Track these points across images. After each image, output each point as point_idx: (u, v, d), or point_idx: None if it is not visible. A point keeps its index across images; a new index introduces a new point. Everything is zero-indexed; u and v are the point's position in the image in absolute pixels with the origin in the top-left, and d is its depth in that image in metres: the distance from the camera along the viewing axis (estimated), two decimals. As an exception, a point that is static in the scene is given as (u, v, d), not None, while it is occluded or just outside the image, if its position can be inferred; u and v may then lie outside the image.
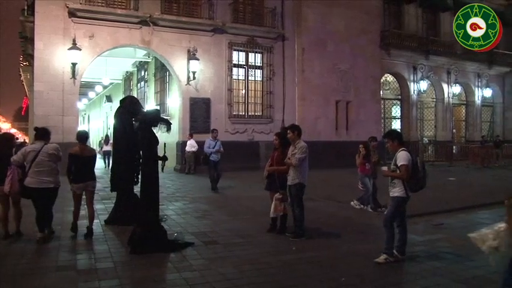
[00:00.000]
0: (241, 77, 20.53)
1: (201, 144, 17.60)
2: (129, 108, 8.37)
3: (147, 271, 5.63)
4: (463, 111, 30.74)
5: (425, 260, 6.26)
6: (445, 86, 28.21)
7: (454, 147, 27.14)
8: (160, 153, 7.15)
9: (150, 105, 23.50)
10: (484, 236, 3.57)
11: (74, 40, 16.53)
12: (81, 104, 39.84)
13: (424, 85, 26.58)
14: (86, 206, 7.55)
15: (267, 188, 8.06)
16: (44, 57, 16.39)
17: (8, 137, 7.95)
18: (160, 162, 7.09)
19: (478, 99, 30.38)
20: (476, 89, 30.18)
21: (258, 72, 20.90)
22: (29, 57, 22.44)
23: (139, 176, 7.41)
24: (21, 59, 29.69)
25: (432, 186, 11.45)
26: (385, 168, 6.37)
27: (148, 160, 6.77)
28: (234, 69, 20.18)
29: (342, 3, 21.70)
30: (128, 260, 6.13)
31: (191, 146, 17.95)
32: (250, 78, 20.72)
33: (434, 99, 28.39)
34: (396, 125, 26.66)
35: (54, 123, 15.52)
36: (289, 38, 21.03)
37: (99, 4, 17.17)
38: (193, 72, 18.66)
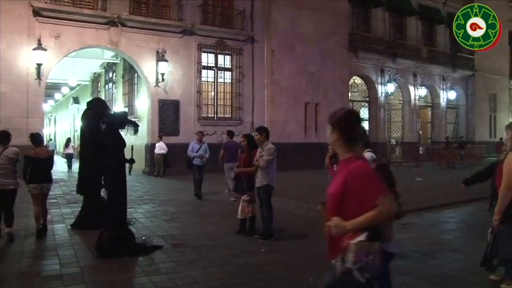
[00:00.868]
0: (211, 79, 20.46)
1: (170, 146, 17.58)
2: (96, 110, 8.25)
3: (115, 275, 5.55)
4: (429, 113, 31.45)
5: (392, 259, 6.37)
6: (411, 88, 28.80)
7: (420, 148, 27.69)
8: (127, 155, 7.08)
9: (118, 107, 23.21)
10: None
11: (39, 40, 16.12)
12: (47, 106, 39.10)
13: (391, 87, 27.05)
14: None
15: (235, 189, 8.07)
16: (8, 57, 15.92)
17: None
18: (127, 164, 7.02)
19: (443, 102, 31.12)
20: (441, 91, 30.92)
21: (228, 74, 20.87)
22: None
23: (107, 179, 7.34)
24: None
25: (399, 186, 11.69)
26: None
27: (115, 163, 6.69)
28: (204, 71, 20.09)
29: (311, 7, 21.87)
30: (95, 265, 6.04)
31: (160, 148, 17.78)
32: (219, 80, 20.65)
33: (401, 101, 28.94)
34: (364, 126, 27.00)
35: (19, 126, 15.09)
36: (258, 40, 21.09)
37: (65, 3, 16.78)
38: (162, 74, 18.50)
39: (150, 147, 18.49)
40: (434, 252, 6.75)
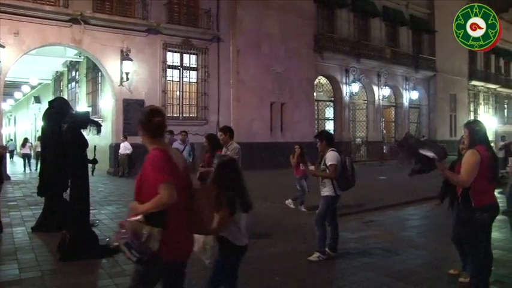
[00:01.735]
0: (176, 79, 20.30)
1: (134, 146, 17.31)
2: (58, 110, 8.05)
3: (77, 278, 5.44)
4: (393, 112, 32.09)
5: (356, 256, 6.48)
6: (375, 88, 29.31)
7: (384, 147, 28.25)
8: (90, 156, 6.94)
9: (81, 106, 22.76)
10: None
11: (-3, 37, 15.67)
12: (6, 105, 38.00)
13: (356, 87, 27.43)
14: None
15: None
16: (-37, 54, 15.41)
17: None
18: (90, 165, 6.89)
19: (406, 101, 31.82)
20: (404, 91, 31.60)
21: (193, 73, 20.74)
22: None
23: (69, 180, 7.17)
24: None
25: (364, 185, 11.90)
26: (312, 167, 6.53)
27: (78, 163, 6.55)
28: (169, 71, 19.92)
29: (277, 7, 21.99)
30: (56, 268, 5.89)
31: (125, 148, 17.53)
32: (185, 79, 20.53)
33: (366, 101, 29.41)
34: (329, 126, 27.33)
35: (-24, 126, 14.65)
36: (224, 40, 21.04)
37: (26, -1, 16.35)
38: (127, 73, 18.22)
39: (115, 148, 18.22)
40: (397, 248, 6.89)
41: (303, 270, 5.83)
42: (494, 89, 41.47)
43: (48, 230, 7.64)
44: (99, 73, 20.70)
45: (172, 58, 20.09)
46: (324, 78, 27.01)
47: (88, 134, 6.81)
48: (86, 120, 6.75)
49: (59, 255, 6.22)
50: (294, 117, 22.94)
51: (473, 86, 38.22)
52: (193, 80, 20.75)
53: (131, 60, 18.29)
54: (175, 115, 20.03)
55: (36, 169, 17.74)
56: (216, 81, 20.87)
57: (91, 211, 7.02)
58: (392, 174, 18.90)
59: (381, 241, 7.37)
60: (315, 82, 25.60)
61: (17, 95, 35.24)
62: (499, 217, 4.86)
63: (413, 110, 33.19)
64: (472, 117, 35.10)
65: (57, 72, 28.22)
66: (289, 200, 10.38)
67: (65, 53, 21.86)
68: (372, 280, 5.40)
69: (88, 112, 7.72)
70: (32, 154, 22.15)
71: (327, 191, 6.22)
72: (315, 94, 25.35)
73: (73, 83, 25.63)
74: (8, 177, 16.09)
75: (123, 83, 18.37)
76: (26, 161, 21.65)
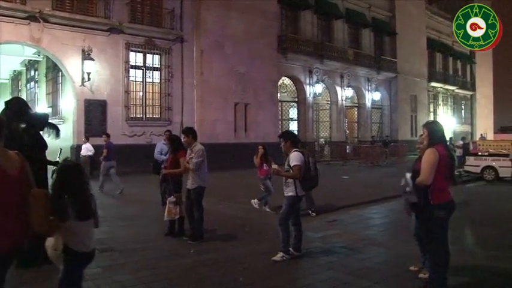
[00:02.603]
0: (139, 79, 20.01)
1: (96, 147, 16.94)
2: (15, 110, 7.80)
3: (36, 285, 5.31)
4: (355, 113, 32.66)
5: (320, 255, 6.54)
6: (338, 89, 29.74)
7: (347, 147, 28.67)
8: (54, 157, 6.76)
9: (41, 107, 22.16)
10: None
11: (-51, 34, 15.08)
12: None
13: (319, 88, 27.76)
14: None
15: (163, 191, 7.95)
16: None
17: None
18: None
19: (368, 102, 32.44)
20: (367, 92, 32.21)
21: (156, 74, 20.51)
22: None
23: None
24: None
25: (327, 184, 12.06)
26: (275, 166, 6.57)
27: (36, 166, 6.36)
28: (132, 71, 19.61)
29: (241, 7, 22.00)
30: (15, 275, 5.62)
31: (87, 149, 17.08)
32: (148, 80, 20.25)
33: (329, 102, 29.81)
34: (293, 126, 27.57)
35: None
36: (188, 40, 20.90)
37: (-20, -5, 15.78)
38: (88, 73, 17.82)
39: (76, 149, 17.79)
40: (360, 247, 7.00)
41: (267, 271, 5.84)
42: (453, 90, 42.89)
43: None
44: (60, 73, 20.19)
45: (135, 58, 19.79)
46: (287, 79, 27.22)
47: (48, 137, 6.63)
48: (43, 122, 6.55)
49: (17, 262, 6.00)
50: (258, 118, 23.00)
51: (433, 87, 39.41)
52: (157, 80, 20.51)
53: (93, 60, 17.91)
54: (138, 116, 19.76)
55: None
56: (180, 82, 20.71)
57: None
58: (355, 174, 19.22)
59: (344, 240, 7.47)
60: (279, 83, 25.76)
61: (-28, 94, 34.00)
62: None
63: (375, 111, 33.86)
64: (432, 118, 36.16)
65: (14, 71, 27.38)
66: (255, 200, 10.37)
67: (23, 51, 21.19)
68: (335, 279, 5.46)
69: (46, 114, 7.49)
70: None
71: (290, 191, 6.26)
72: (278, 95, 25.50)
73: (32, 83, 24.90)
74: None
75: (85, 83, 17.98)
76: None
